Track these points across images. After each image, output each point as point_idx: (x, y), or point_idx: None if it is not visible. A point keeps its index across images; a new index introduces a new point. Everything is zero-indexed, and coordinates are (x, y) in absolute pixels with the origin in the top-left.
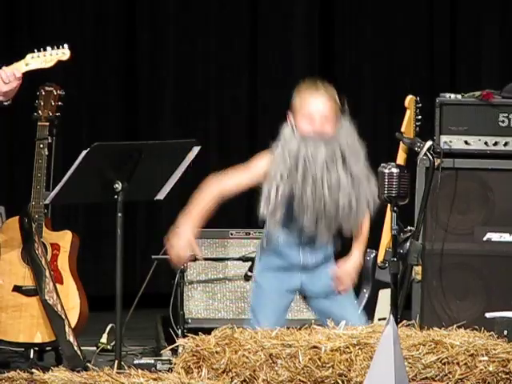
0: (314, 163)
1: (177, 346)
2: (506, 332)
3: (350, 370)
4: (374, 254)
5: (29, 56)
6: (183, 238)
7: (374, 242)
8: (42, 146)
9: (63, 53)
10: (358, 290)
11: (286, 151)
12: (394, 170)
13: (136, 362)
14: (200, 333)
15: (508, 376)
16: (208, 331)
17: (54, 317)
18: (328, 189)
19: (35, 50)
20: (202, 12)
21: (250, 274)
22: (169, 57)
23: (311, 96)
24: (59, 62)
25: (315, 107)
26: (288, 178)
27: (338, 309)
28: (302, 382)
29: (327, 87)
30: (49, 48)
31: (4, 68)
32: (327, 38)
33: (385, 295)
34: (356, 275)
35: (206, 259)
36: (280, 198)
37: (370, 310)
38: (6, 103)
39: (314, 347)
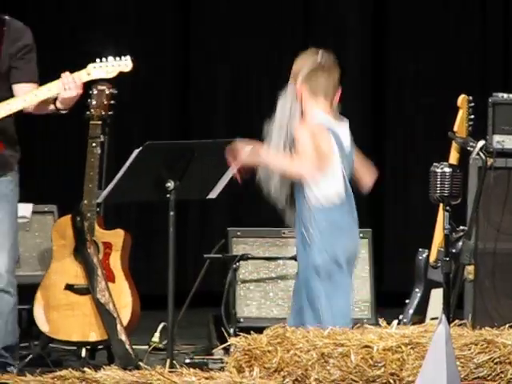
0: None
1: (229, 345)
2: None
3: (401, 370)
4: (426, 254)
5: (91, 66)
6: (253, 149)
7: (426, 241)
8: (94, 144)
9: (125, 64)
10: (410, 290)
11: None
12: (447, 170)
13: (188, 360)
14: (252, 332)
15: None
16: (260, 330)
17: (105, 315)
18: None
19: (97, 60)
20: (254, 13)
21: None
22: (221, 56)
23: None
24: (121, 74)
25: None
26: None
27: None
28: (354, 381)
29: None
30: (111, 58)
31: (67, 74)
32: (379, 38)
33: (437, 295)
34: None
35: (258, 258)
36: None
37: (422, 309)
38: (63, 111)
39: (366, 346)
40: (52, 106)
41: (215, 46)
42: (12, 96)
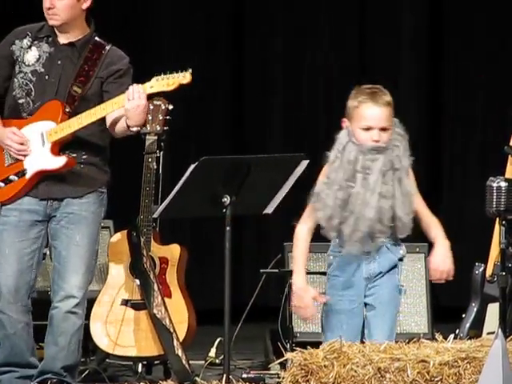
0: (371, 173)
1: (285, 360)
2: None
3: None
4: (482, 268)
5: (154, 79)
6: (306, 296)
7: (482, 255)
8: (150, 159)
9: (184, 76)
10: (466, 304)
11: (345, 159)
12: (503, 184)
13: (244, 375)
14: (308, 346)
15: None
16: (316, 345)
17: (162, 331)
18: (379, 198)
19: (162, 73)
20: (310, 24)
21: None
22: (276, 70)
23: (369, 105)
24: (180, 86)
25: (373, 117)
26: (346, 187)
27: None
28: None
29: (384, 94)
30: (173, 72)
31: (132, 85)
32: (436, 50)
33: (493, 309)
34: (450, 258)
35: (314, 273)
36: (337, 204)
37: (478, 323)
38: (133, 129)
39: (423, 361)
40: (124, 123)
41: (270, 60)
42: (100, 121)
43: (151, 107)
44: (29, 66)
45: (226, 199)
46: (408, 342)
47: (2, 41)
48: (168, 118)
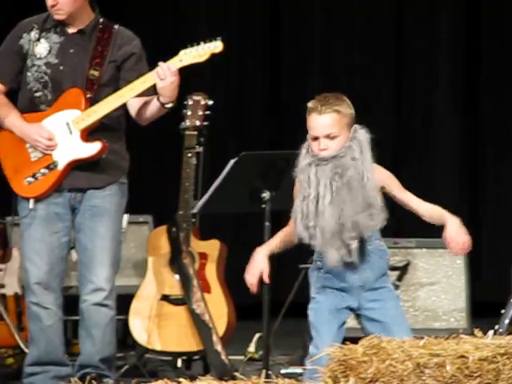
0: (320, 183)
1: (323, 354)
2: None
3: (497, 380)
4: None
5: (182, 52)
6: (256, 266)
7: None
8: (189, 155)
9: (215, 46)
10: (506, 300)
11: (300, 172)
12: None
13: (283, 371)
14: (347, 342)
15: None
16: (355, 341)
17: (201, 326)
18: (332, 207)
19: (188, 46)
20: (346, 24)
21: (397, 283)
22: (313, 69)
23: (314, 115)
24: (212, 55)
25: (317, 126)
26: (305, 199)
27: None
28: None
29: (332, 102)
30: (201, 42)
31: (160, 63)
32: (473, 49)
33: None
34: (463, 229)
35: None
36: (301, 217)
37: None
38: (168, 105)
39: (462, 356)
40: (157, 102)
41: (307, 58)
42: (121, 109)
43: (190, 102)
44: (41, 58)
45: (266, 194)
46: (447, 338)
47: (8, 35)
48: (208, 113)
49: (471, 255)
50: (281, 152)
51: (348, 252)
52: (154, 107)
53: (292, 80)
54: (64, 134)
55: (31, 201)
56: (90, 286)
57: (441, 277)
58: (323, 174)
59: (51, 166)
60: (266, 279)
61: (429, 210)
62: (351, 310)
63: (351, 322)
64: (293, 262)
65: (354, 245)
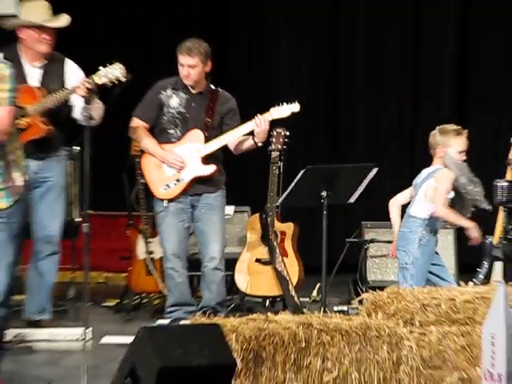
0: None
1: (362, 299)
2: None
3: (475, 314)
4: (490, 239)
5: (272, 109)
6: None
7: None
8: (274, 168)
9: (296, 107)
10: (480, 262)
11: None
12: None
13: (335, 308)
14: (377, 289)
15: None
16: (382, 289)
17: (281, 279)
18: None
19: (275, 105)
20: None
21: None
22: (362, 93)
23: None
24: (292, 114)
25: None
26: None
27: None
28: (443, 322)
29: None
30: (285, 103)
31: (257, 115)
32: None
33: (498, 266)
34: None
35: (380, 241)
36: None
37: (488, 275)
38: (259, 144)
39: (452, 299)
40: (251, 141)
41: (361, 76)
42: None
43: (275, 133)
44: (174, 108)
45: (324, 193)
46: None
47: (148, 91)
48: (286, 140)
49: (458, 233)
50: (334, 166)
51: None
52: (248, 144)
53: (347, 103)
54: (189, 159)
55: (165, 201)
56: (207, 257)
57: (438, 247)
58: None
59: (180, 180)
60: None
61: None
62: None
63: (379, 277)
64: (342, 237)
65: None
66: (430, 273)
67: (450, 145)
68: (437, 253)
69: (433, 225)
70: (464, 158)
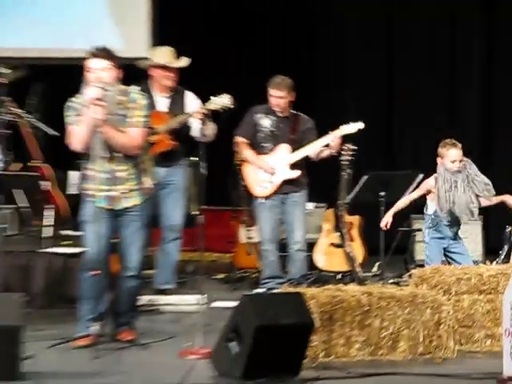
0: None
1: (410, 274)
2: None
3: (498, 286)
4: (510, 228)
5: (341, 126)
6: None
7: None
8: (344, 173)
9: (356, 127)
10: (502, 246)
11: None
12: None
13: (390, 281)
14: (422, 266)
15: None
16: (423, 265)
17: (349, 258)
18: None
19: (343, 124)
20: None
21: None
22: (414, 96)
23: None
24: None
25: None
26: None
27: None
28: (473, 291)
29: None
30: (351, 122)
31: (330, 132)
32: None
33: None
34: None
35: (419, 230)
36: None
37: (508, 257)
38: (333, 154)
39: (479, 274)
40: (327, 152)
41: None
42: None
43: (345, 148)
44: (266, 127)
45: (382, 193)
46: (476, 264)
47: (245, 115)
48: (353, 152)
49: (486, 220)
50: (388, 172)
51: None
52: (325, 154)
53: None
54: (279, 166)
55: (261, 199)
56: (293, 241)
57: (467, 233)
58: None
59: (272, 182)
60: (383, 226)
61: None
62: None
63: (423, 257)
64: (395, 227)
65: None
66: (453, 259)
67: (445, 155)
68: (460, 241)
69: (435, 219)
70: (457, 167)
